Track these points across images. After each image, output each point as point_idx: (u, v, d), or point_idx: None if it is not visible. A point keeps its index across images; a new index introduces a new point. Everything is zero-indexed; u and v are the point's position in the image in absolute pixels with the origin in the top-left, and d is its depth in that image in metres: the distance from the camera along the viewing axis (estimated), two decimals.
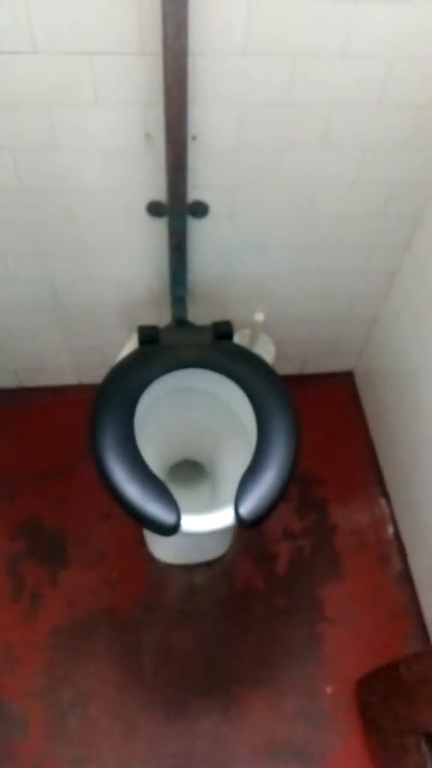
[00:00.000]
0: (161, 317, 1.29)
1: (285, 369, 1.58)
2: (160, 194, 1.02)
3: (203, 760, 1.10)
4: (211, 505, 1.01)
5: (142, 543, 1.33)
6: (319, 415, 1.57)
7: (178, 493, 0.93)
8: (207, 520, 0.91)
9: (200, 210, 1.05)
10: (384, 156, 1.02)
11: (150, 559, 1.31)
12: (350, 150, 1.00)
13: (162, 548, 1.29)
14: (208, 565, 1.31)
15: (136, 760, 1.09)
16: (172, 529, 0.89)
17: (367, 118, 0.95)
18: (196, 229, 1.09)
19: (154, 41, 0.79)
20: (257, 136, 0.95)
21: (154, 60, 0.82)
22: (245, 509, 0.90)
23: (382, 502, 1.43)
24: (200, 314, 1.27)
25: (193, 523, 0.90)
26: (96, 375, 1.05)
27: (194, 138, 0.93)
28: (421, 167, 1.05)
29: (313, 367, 1.61)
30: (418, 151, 1.02)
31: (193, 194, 1.02)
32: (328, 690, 1.18)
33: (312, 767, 1.10)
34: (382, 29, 0.83)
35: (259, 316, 1.23)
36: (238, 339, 1.23)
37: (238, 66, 0.85)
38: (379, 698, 1.04)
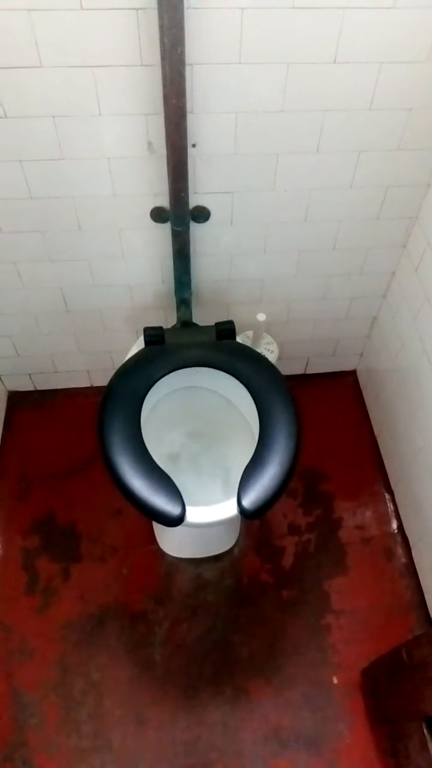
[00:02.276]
0: (167, 319, 1.34)
1: (289, 369, 1.61)
2: (163, 200, 1.06)
3: (213, 750, 1.12)
4: (223, 497, 1.03)
5: (152, 538, 1.36)
6: (323, 414, 1.60)
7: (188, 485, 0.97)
8: (211, 512, 0.95)
9: (202, 215, 1.09)
10: (378, 158, 1.05)
11: (160, 553, 1.35)
12: (345, 153, 1.04)
13: (171, 542, 1.32)
14: (216, 559, 1.34)
15: (146, 749, 1.12)
16: (177, 521, 0.92)
17: (359, 121, 0.99)
18: (199, 233, 1.14)
19: (153, 53, 0.84)
20: (254, 142, 0.99)
21: (153, 71, 0.86)
22: (248, 501, 0.94)
23: (386, 496, 1.45)
24: (205, 316, 1.31)
25: (197, 514, 0.94)
26: (106, 377, 1.09)
27: (194, 145, 0.98)
28: (415, 168, 1.08)
29: (316, 367, 1.64)
30: (411, 152, 1.05)
31: (195, 200, 1.07)
32: (335, 680, 1.20)
33: (319, 756, 1.13)
34: (370, 35, 0.87)
35: (261, 317, 1.26)
36: (241, 339, 1.27)
37: (234, 75, 0.90)
38: (383, 686, 1.06)
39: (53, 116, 0.92)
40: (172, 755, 1.12)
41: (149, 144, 0.97)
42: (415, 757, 0.94)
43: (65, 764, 1.10)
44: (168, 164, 0.96)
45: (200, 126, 0.95)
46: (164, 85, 0.86)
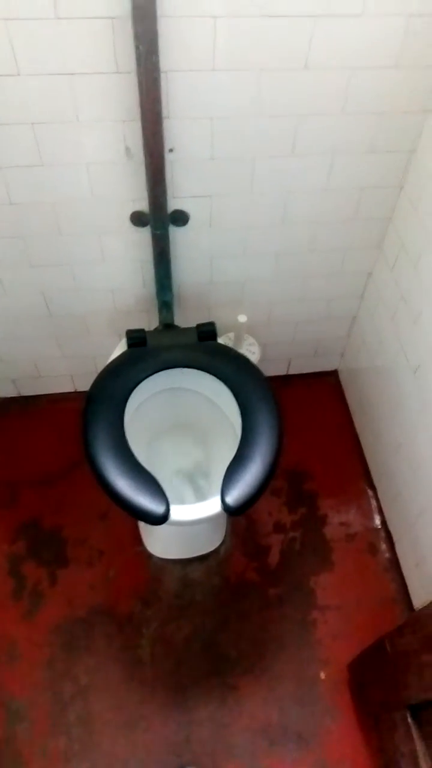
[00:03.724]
0: (150, 322, 1.35)
1: (271, 370, 1.63)
2: (143, 205, 1.08)
3: (203, 748, 1.13)
4: (207, 495, 1.05)
5: (138, 541, 1.37)
6: (306, 414, 1.62)
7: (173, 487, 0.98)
8: (195, 510, 0.96)
9: (181, 218, 1.11)
10: (352, 161, 1.08)
11: (146, 555, 1.35)
12: (320, 156, 1.06)
13: (157, 543, 1.33)
14: (202, 559, 1.35)
15: (137, 749, 1.13)
16: (161, 519, 0.93)
17: (332, 125, 1.01)
18: (179, 237, 1.15)
19: (129, 61, 0.86)
20: (230, 147, 1.02)
21: (129, 78, 0.88)
22: (231, 498, 0.95)
23: (369, 493, 1.47)
24: (186, 318, 1.33)
25: (181, 512, 0.95)
26: (90, 382, 1.10)
27: (171, 150, 1.00)
28: (388, 170, 1.11)
29: (298, 368, 1.67)
30: (384, 155, 1.08)
31: (174, 204, 1.09)
32: (321, 675, 1.21)
33: (308, 750, 1.14)
34: (340, 42, 0.90)
35: (242, 318, 1.28)
36: (223, 341, 1.29)
37: (209, 81, 0.92)
38: (369, 678, 1.08)
39: (32, 123, 0.93)
40: (163, 755, 1.12)
41: (127, 149, 0.98)
42: (400, 746, 0.95)
43: (55, 767, 1.10)
44: (146, 169, 0.98)
45: (177, 131, 0.97)
46: (140, 92, 0.88)
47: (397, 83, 0.97)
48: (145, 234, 1.12)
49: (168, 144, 0.98)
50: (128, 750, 1.12)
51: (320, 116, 1.00)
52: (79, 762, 1.11)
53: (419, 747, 0.90)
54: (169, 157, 0.99)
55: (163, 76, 0.88)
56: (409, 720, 0.92)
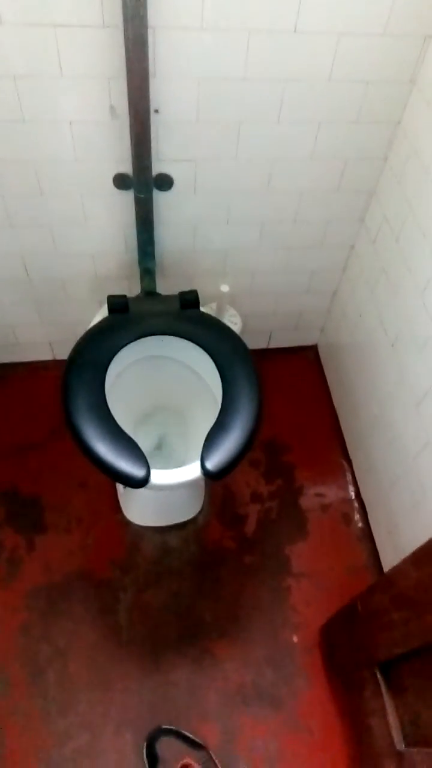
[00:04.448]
0: (131, 289, 1.34)
1: (252, 343, 1.62)
2: (126, 167, 1.06)
3: (179, 707, 1.15)
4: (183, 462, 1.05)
5: (117, 509, 1.38)
6: (285, 387, 1.64)
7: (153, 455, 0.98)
8: (175, 474, 0.97)
9: (165, 182, 1.10)
10: (337, 130, 1.08)
11: (125, 523, 1.36)
12: (305, 124, 1.06)
13: (136, 511, 1.34)
14: (180, 527, 1.37)
15: (113, 709, 1.14)
16: (141, 482, 0.94)
17: (319, 92, 1.01)
18: (162, 201, 1.14)
19: (115, 14, 0.84)
20: (217, 110, 1.00)
21: (115, 33, 0.86)
22: (210, 463, 0.96)
23: (344, 465, 1.50)
24: (169, 287, 1.32)
25: (161, 476, 0.96)
26: (69, 350, 1.09)
27: (157, 111, 0.98)
28: (373, 141, 1.11)
29: (279, 341, 1.68)
30: (369, 125, 1.08)
31: (158, 167, 1.07)
32: (294, 639, 1.25)
33: (281, 710, 1.17)
34: (331, 5, 0.89)
35: (225, 288, 1.28)
36: (205, 311, 1.29)
37: (197, 40, 0.90)
38: (340, 640, 1.11)
39: (14, 76, 0.91)
40: (139, 715, 1.14)
41: (111, 108, 0.97)
42: (370, 702, 0.99)
43: (33, 727, 1.11)
44: (131, 129, 0.96)
45: (163, 91, 0.96)
46: (127, 48, 0.86)
47: (385, 52, 0.97)
48: (128, 197, 1.11)
49: (154, 104, 0.96)
50: (105, 710, 1.14)
51: (307, 82, 0.99)
52: (56, 722, 1.12)
53: (387, 701, 0.93)
54: (154, 119, 0.98)
55: (150, 32, 0.87)
56: (378, 677, 0.96)
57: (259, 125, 1.04)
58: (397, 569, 0.83)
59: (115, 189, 1.10)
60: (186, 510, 1.37)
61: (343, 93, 1.02)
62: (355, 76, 0.99)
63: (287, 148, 1.09)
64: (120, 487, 1.37)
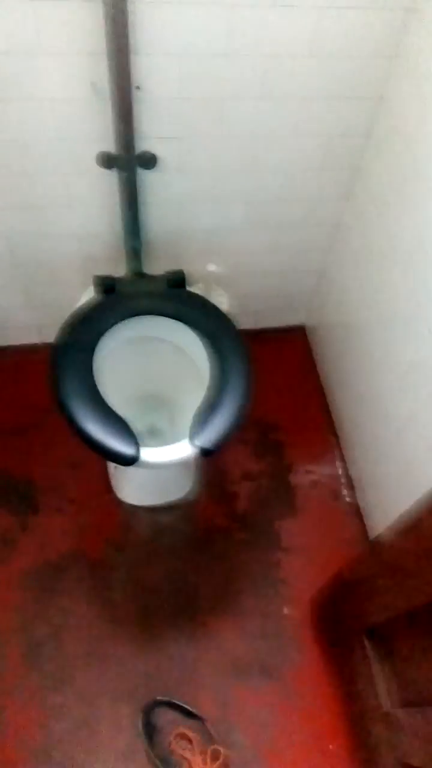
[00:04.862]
0: (118, 271, 1.33)
1: (240, 324, 1.63)
2: (110, 145, 1.06)
3: (174, 679, 1.18)
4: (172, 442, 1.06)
5: (109, 489, 1.39)
6: (274, 367, 1.65)
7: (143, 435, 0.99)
8: (164, 452, 0.98)
9: (149, 161, 1.09)
10: (320, 106, 1.08)
11: (117, 503, 1.38)
12: (288, 100, 1.06)
13: (128, 490, 1.36)
14: (172, 506, 1.38)
15: (108, 682, 1.17)
16: (131, 460, 0.95)
17: (301, 68, 1.01)
18: (147, 180, 1.14)
19: None
20: (199, 86, 1.00)
21: (95, 7, 0.85)
22: (200, 440, 0.98)
23: (333, 442, 1.52)
24: (155, 268, 1.32)
25: (151, 454, 0.97)
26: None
27: (138, 88, 0.98)
28: (356, 118, 1.12)
29: (266, 322, 1.69)
30: (352, 101, 1.08)
31: (142, 145, 1.07)
32: (285, 611, 1.28)
33: (274, 679, 1.20)
34: None
35: (212, 267, 1.29)
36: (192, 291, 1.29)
37: (178, 14, 0.90)
38: (329, 610, 1.14)
39: None
40: (134, 687, 1.17)
41: (92, 84, 0.96)
42: (359, 668, 1.02)
43: (30, 702, 1.14)
44: (113, 106, 0.96)
45: (144, 68, 0.95)
46: (107, 22, 0.85)
47: (366, 26, 0.96)
48: (112, 177, 1.11)
49: (135, 81, 0.96)
50: (101, 684, 1.17)
51: (289, 58, 0.99)
52: (53, 696, 1.15)
53: (375, 665, 0.96)
54: (136, 96, 0.97)
55: (131, 7, 0.86)
56: (366, 642, 0.99)
57: (242, 101, 1.04)
58: (381, 537, 0.85)
59: (99, 168, 1.09)
60: (177, 489, 1.38)
61: (324, 68, 1.01)
62: (336, 51, 0.99)
63: (270, 124, 1.09)
64: (111, 466, 1.39)
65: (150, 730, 1.10)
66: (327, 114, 1.09)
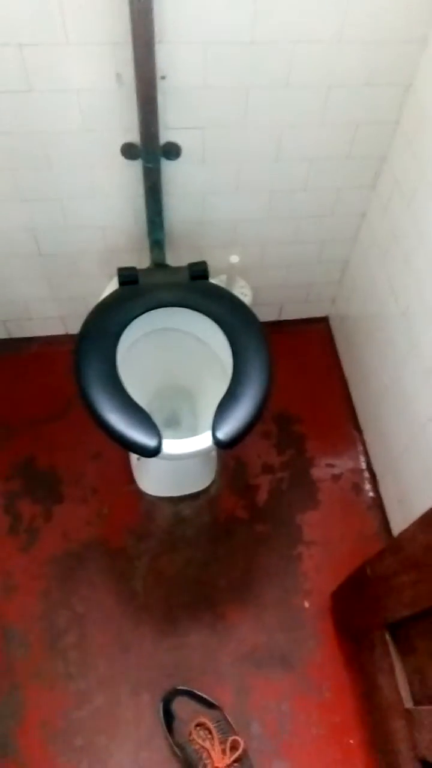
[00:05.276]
0: (141, 263, 1.34)
1: (263, 315, 1.60)
2: (134, 136, 1.05)
3: (194, 669, 1.19)
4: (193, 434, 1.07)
5: (131, 480, 1.40)
6: (296, 360, 1.64)
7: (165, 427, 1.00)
8: (186, 444, 0.98)
9: (173, 151, 1.09)
10: (348, 94, 1.06)
11: (139, 493, 1.39)
12: (315, 88, 1.04)
13: (150, 481, 1.37)
14: (193, 497, 1.39)
15: (130, 671, 1.18)
16: (154, 452, 0.96)
17: (328, 54, 0.99)
18: (171, 171, 1.13)
19: None
20: (224, 75, 0.99)
21: None
22: (221, 433, 0.97)
23: (355, 435, 1.51)
24: (178, 259, 1.31)
25: (173, 446, 0.97)
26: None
27: (164, 78, 0.97)
28: (384, 105, 1.09)
29: (289, 314, 1.67)
30: (380, 88, 1.06)
31: (166, 135, 1.06)
32: (306, 604, 1.27)
33: (292, 672, 1.20)
34: None
35: (235, 259, 1.28)
36: (215, 283, 1.29)
37: (202, 2, 0.88)
38: (350, 604, 1.13)
39: (19, 44, 0.90)
40: (155, 676, 1.18)
41: (118, 75, 0.96)
42: (379, 663, 1.01)
43: (53, 688, 1.16)
44: (137, 97, 0.96)
45: (169, 57, 0.95)
46: (131, 12, 0.84)
47: (396, 10, 0.94)
48: (136, 168, 1.10)
49: (160, 71, 0.95)
50: (122, 672, 1.18)
51: (316, 44, 0.97)
52: (75, 683, 1.16)
53: (396, 662, 0.95)
54: (161, 85, 0.97)
55: None
56: (387, 638, 0.98)
57: (268, 90, 1.02)
58: (405, 533, 0.84)
59: (124, 159, 1.09)
60: (198, 480, 1.39)
61: (352, 54, 0.99)
62: (365, 37, 0.97)
63: (296, 113, 1.08)
64: (134, 457, 1.40)
65: (169, 719, 1.11)
66: (355, 101, 1.07)
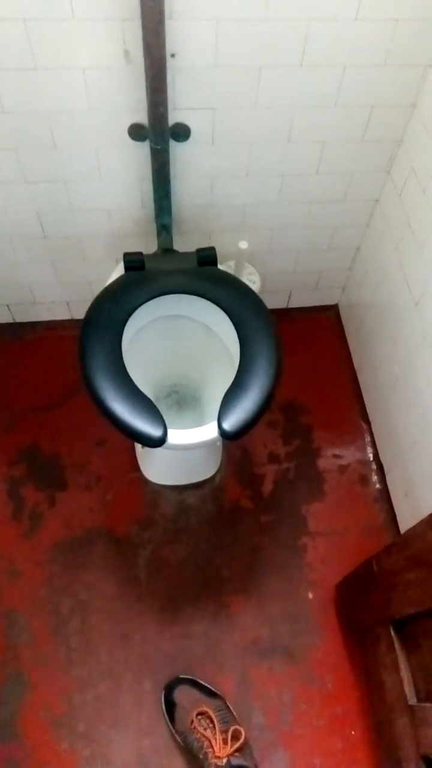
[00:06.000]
0: (147, 247, 1.31)
1: (271, 302, 1.58)
2: (142, 117, 1.02)
3: (196, 659, 1.19)
4: (199, 423, 1.05)
5: (135, 467, 1.39)
6: (305, 348, 1.61)
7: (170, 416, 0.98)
8: (191, 434, 0.97)
9: (182, 132, 1.06)
10: (364, 74, 1.02)
11: (143, 481, 1.38)
12: (330, 68, 1.00)
13: (154, 469, 1.35)
14: (197, 486, 1.38)
15: (132, 659, 1.18)
16: (159, 441, 0.94)
17: (344, 33, 0.95)
18: (179, 153, 1.10)
19: None
20: (236, 53, 0.95)
21: None
22: (227, 423, 0.95)
23: (363, 426, 1.49)
24: (186, 244, 1.29)
25: (178, 436, 0.95)
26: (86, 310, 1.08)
27: (173, 55, 0.93)
28: (401, 86, 1.05)
29: (299, 301, 1.64)
30: (398, 68, 1.02)
31: (175, 116, 1.03)
32: (310, 595, 1.27)
33: (295, 664, 1.20)
34: None
35: (244, 245, 1.25)
36: (223, 269, 1.26)
37: None
38: (355, 597, 1.12)
39: (24, 19, 0.87)
40: (157, 664, 1.18)
41: (126, 53, 0.92)
42: (384, 659, 1.01)
43: (55, 674, 1.16)
44: (146, 75, 0.92)
45: (180, 34, 0.91)
46: None
47: None
48: (144, 150, 1.07)
49: (170, 48, 0.91)
50: (125, 660, 1.18)
51: (332, 22, 0.93)
52: (77, 669, 1.17)
53: (400, 658, 0.95)
54: (170, 64, 0.93)
55: None
56: (392, 634, 0.97)
57: (281, 69, 0.99)
58: (413, 531, 0.82)
59: (131, 140, 1.06)
60: (204, 470, 1.38)
61: (369, 33, 0.95)
62: (382, 14, 0.93)
63: (310, 94, 1.04)
64: (138, 446, 1.39)
65: (171, 707, 1.11)
66: (371, 82, 1.03)
